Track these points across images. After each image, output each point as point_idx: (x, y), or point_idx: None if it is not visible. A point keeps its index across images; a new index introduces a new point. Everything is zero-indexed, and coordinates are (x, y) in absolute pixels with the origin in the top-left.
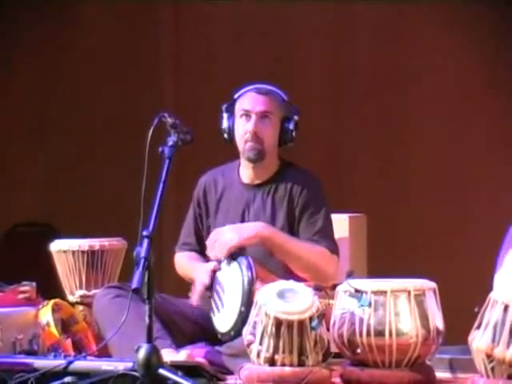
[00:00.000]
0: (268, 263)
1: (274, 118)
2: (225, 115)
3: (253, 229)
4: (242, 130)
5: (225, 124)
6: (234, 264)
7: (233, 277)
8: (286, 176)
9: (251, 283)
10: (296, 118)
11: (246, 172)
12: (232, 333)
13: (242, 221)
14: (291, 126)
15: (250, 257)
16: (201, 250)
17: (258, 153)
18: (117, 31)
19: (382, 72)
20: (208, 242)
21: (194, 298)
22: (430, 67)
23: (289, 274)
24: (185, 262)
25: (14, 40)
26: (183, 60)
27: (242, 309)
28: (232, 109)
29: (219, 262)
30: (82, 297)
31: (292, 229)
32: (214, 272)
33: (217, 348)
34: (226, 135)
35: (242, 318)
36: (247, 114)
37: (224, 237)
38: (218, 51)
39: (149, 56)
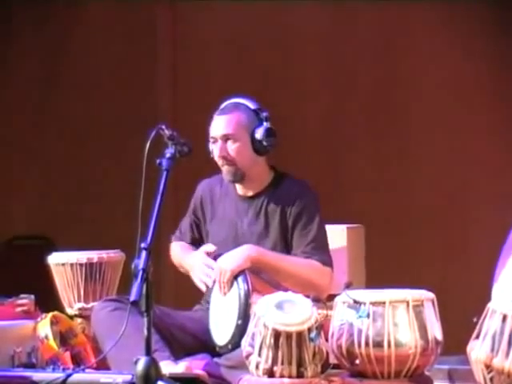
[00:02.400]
0: (264, 276)
1: (240, 135)
2: (210, 139)
3: (242, 254)
4: (215, 156)
5: (210, 147)
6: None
7: (229, 290)
8: (279, 187)
9: (247, 296)
10: (267, 124)
11: (239, 186)
12: (230, 346)
13: (236, 232)
14: (260, 137)
15: (246, 270)
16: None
17: (235, 174)
18: (115, 37)
19: (381, 79)
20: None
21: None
22: (430, 73)
23: (285, 286)
24: (178, 251)
25: (10, 43)
26: (181, 68)
27: (239, 322)
28: None
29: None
30: (80, 309)
31: (286, 240)
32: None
33: (215, 360)
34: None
35: (240, 331)
36: (214, 141)
37: (217, 274)
38: (216, 57)
39: (146, 65)
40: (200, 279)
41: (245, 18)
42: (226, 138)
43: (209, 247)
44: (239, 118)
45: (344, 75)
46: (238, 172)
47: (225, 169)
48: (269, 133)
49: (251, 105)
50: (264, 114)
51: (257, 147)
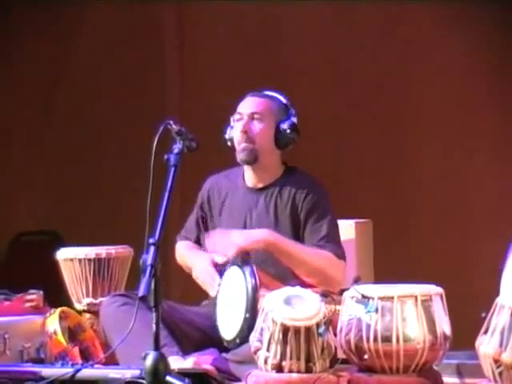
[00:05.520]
0: (272, 270)
1: (267, 119)
2: (231, 124)
3: (259, 234)
4: (236, 132)
5: (228, 133)
6: (238, 271)
7: (236, 284)
8: (290, 181)
9: (255, 290)
10: (294, 119)
11: (249, 176)
12: (238, 340)
13: (245, 224)
14: (286, 127)
15: (253, 264)
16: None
17: (250, 153)
18: (121, 36)
19: (384, 77)
20: (210, 242)
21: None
22: (433, 71)
23: (294, 280)
24: (184, 250)
25: (14, 42)
26: (188, 66)
27: (247, 315)
28: None
29: (222, 271)
30: (88, 305)
31: (296, 234)
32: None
33: (224, 355)
34: (229, 143)
35: (248, 325)
36: (240, 117)
37: (230, 238)
38: (222, 55)
39: (154, 64)
40: (204, 280)
41: (251, 17)
42: (252, 117)
43: (218, 258)
44: (270, 103)
45: (350, 72)
46: (253, 152)
47: (242, 146)
48: (294, 127)
49: (283, 99)
50: (293, 111)
51: (279, 137)
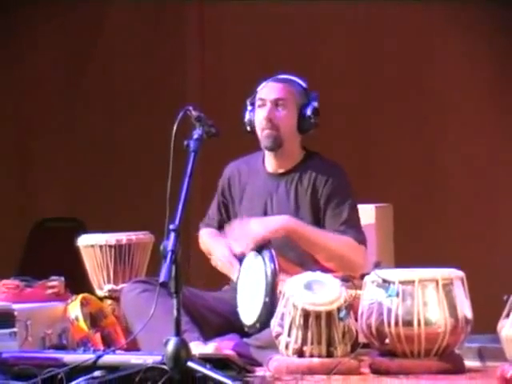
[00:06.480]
0: (292, 255)
1: (290, 105)
2: (248, 108)
3: (278, 221)
4: (259, 118)
5: (247, 117)
6: (257, 256)
7: (256, 269)
8: (311, 166)
9: (274, 274)
10: (315, 104)
11: (269, 161)
12: (258, 325)
13: (265, 209)
14: (309, 112)
15: (272, 249)
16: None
17: (274, 139)
18: (143, 35)
19: (406, 68)
20: (230, 232)
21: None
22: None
23: (314, 266)
24: (206, 237)
25: (36, 36)
26: (209, 65)
27: (266, 299)
28: (254, 102)
29: (242, 257)
30: (110, 291)
31: (317, 219)
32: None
33: (245, 340)
34: (248, 127)
35: (267, 310)
36: (263, 103)
37: (249, 229)
38: (244, 55)
39: (175, 63)
40: (223, 266)
41: (271, 17)
42: (276, 103)
43: (236, 247)
44: (292, 88)
45: (371, 63)
46: (277, 139)
47: (266, 133)
48: (316, 112)
49: (302, 83)
50: (313, 94)
51: (302, 123)
